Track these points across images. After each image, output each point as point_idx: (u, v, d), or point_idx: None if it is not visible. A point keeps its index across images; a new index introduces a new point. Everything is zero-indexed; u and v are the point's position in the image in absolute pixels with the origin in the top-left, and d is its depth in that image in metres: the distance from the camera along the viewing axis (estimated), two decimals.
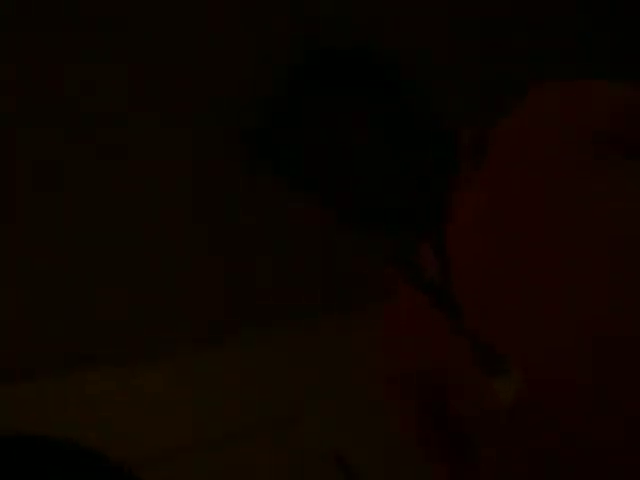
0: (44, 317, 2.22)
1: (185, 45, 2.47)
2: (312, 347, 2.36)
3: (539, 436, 0.97)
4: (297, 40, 1.22)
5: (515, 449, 0.99)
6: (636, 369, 0.92)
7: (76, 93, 2.33)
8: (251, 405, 2.29)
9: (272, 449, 2.24)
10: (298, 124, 1.14)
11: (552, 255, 1.00)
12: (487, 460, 1.04)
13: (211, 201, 2.41)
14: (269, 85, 1.20)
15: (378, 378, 1.21)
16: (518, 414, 0.98)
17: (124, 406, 2.21)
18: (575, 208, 1.00)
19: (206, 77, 2.46)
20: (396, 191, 1.11)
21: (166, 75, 2.44)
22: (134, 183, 2.38)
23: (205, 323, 2.36)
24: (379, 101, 1.15)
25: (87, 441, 1.98)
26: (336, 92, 1.15)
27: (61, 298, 2.26)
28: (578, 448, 0.94)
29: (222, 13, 2.52)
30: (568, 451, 0.95)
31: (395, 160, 1.12)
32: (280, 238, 2.46)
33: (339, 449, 2.22)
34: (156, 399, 2.25)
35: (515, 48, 2.73)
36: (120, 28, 2.41)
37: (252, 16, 2.55)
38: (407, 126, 1.14)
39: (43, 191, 2.29)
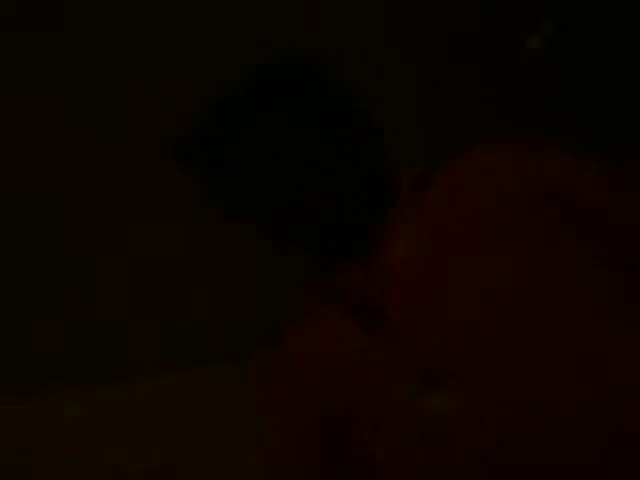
0: None
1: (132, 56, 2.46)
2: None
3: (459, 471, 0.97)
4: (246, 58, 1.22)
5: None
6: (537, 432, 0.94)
7: None
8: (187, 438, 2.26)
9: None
10: (236, 140, 1.14)
11: (487, 291, 1.03)
12: None
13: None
14: (208, 97, 1.20)
15: (265, 407, 1.16)
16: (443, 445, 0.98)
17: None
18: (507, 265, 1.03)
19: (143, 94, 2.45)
20: (329, 208, 1.12)
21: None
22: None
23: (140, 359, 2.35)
24: (319, 120, 1.15)
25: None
26: (277, 109, 1.15)
27: None
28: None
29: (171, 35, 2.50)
30: None
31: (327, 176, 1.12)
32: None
33: None
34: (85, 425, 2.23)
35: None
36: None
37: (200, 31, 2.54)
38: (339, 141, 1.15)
39: None
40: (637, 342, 0.99)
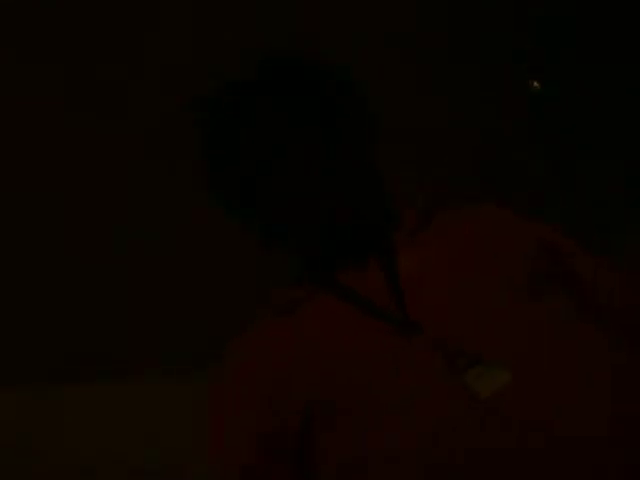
0: None
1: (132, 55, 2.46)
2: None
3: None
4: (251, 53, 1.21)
5: None
6: None
7: None
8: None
9: None
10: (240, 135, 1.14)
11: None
12: None
13: None
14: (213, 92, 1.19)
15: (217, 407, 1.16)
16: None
17: None
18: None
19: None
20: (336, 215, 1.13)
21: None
22: None
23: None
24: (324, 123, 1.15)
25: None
26: (282, 108, 1.14)
27: None
28: None
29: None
30: None
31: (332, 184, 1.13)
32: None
33: None
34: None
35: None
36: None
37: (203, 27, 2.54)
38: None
39: None
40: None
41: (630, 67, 2.79)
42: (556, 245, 1.18)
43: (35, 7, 2.42)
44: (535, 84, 2.77)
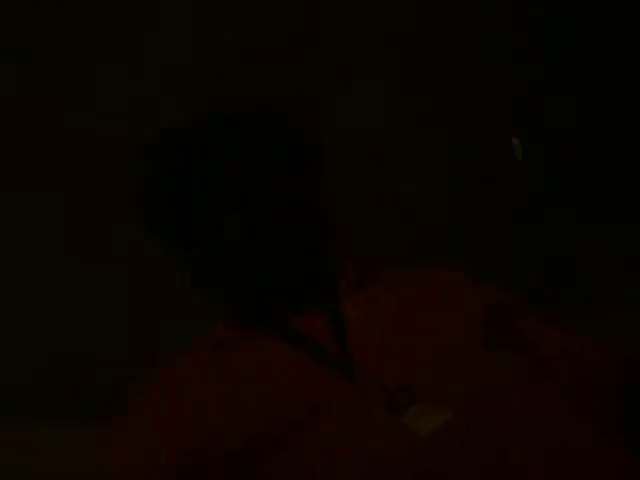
0: None
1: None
2: None
3: None
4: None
5: None
6: None
7: None
8: None
9: None
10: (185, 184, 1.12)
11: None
12: None
13: None
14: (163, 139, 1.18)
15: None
16: None
17: None
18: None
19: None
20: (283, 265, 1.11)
21: None
22: None
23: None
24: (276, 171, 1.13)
25: None
26: (231, 157, 1.12)
27: None
28: None
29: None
30: None
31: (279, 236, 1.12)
32: None
33: None
34: None
35: None
36: None
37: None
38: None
39: None
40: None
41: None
42: (506, 309, 1.19)
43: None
44: (515, 141, 2.77)
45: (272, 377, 1.08)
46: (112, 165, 2.39)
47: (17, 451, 2.26)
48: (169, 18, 2.52)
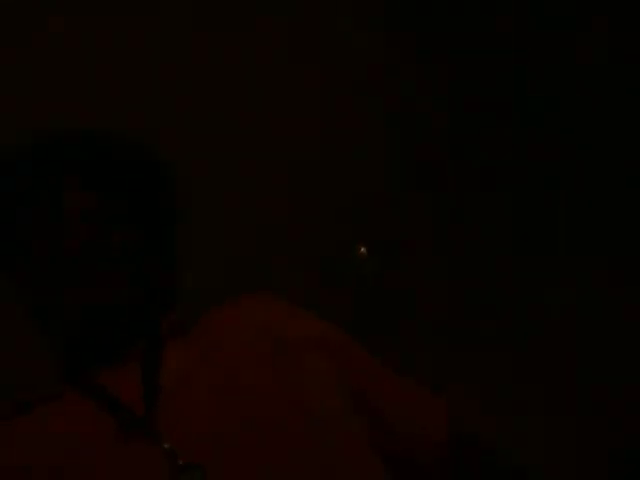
0: None
1: None
2: None
3: None
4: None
5: None
6: None
7: None
8: None
9: None
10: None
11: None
12: None
13: None
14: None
15: None
16: None
17: None
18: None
19: None
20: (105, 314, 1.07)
21: None
22: None
23: None
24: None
25: None
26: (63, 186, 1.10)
27: None
28: None
29: None
30: None
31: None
32: None
33: None
34: None
35: None
36: None
37: None
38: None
39: None
40: None
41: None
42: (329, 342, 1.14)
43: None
44: (362, 250, 2.78)
45: (65, 441, 1.02)
46: None
47: None
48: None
